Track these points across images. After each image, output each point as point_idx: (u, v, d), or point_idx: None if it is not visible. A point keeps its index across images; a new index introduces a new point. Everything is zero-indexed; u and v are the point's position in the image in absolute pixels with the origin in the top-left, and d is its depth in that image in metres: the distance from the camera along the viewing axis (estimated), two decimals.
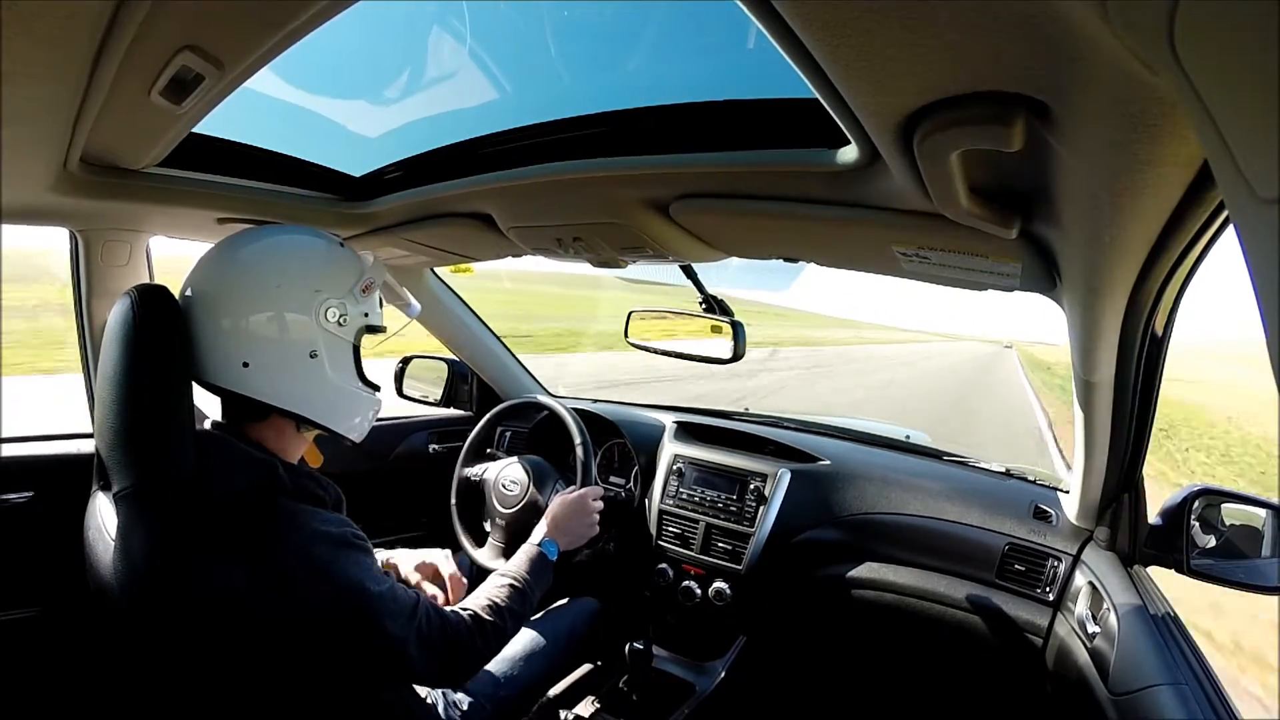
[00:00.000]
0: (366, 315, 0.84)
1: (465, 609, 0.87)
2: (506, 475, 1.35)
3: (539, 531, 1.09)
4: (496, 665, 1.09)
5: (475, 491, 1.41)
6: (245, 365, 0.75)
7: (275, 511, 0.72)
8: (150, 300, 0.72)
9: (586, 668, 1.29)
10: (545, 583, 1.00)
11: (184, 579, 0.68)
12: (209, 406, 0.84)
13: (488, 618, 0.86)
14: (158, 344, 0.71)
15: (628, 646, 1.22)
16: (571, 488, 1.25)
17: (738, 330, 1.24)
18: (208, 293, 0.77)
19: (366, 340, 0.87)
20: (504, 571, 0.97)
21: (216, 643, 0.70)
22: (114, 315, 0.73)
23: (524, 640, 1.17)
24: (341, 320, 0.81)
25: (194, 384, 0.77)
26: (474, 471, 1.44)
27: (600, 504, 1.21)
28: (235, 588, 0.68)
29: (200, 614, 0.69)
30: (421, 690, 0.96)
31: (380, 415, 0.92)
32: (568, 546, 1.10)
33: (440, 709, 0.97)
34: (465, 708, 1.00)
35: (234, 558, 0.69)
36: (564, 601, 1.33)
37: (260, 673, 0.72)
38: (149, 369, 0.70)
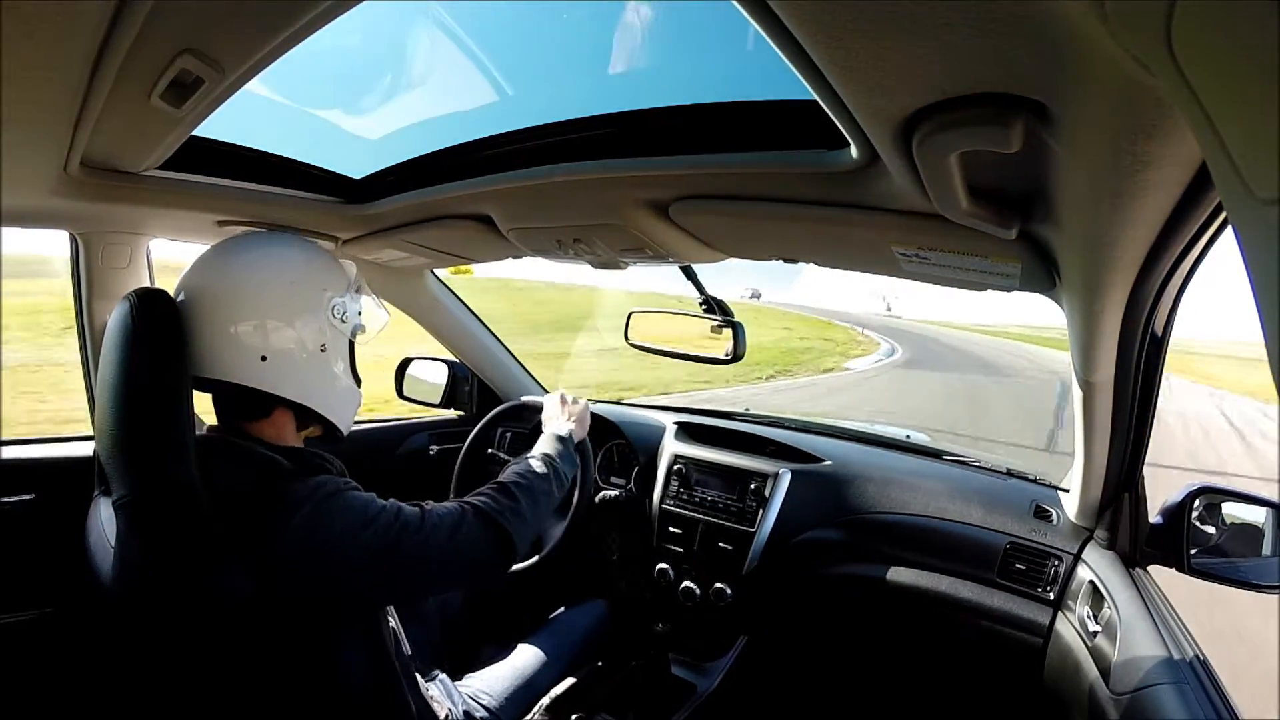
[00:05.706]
0: (360, 314, 0.89)
1: (479, 493, 0.90)
2: None
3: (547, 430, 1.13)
4: (513, 677, 1.09)
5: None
6: (264, 359, 0.77)
7: (278, 498, 0.72)
8: (149, 304, 0.72)
9: (587, 668, 1.30)
10: (569, 460, 1.06)
11: (184, 586, 0.68)
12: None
13: (508, 492, 0.89)
14: (157, 348, 0.71)
15: (628, 647, 1.21)
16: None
17: (737, 331, 1.24)
18: (218, 293, 0.77)
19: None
20: (522, 456, 1.02)
21: (219, 647, 0.70)
22: (113, 319, 0.72)
23: (538, 650, 1.16)
24: (344, 317, 0.85)
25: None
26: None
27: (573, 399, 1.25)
28: (238, 588, 0.68)
29: (202, 619, 0.69)
30: (429, 690, 0.95)
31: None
32: (579, 435, 1.16)
33: (442, 714, 0.96)
34: (478, 717, 1.00)
35: (235, 556, 0.68)
36: (566, 608, 1.32)
37: (263, 675, 0.72)
38: (147, 374, 0.70)
